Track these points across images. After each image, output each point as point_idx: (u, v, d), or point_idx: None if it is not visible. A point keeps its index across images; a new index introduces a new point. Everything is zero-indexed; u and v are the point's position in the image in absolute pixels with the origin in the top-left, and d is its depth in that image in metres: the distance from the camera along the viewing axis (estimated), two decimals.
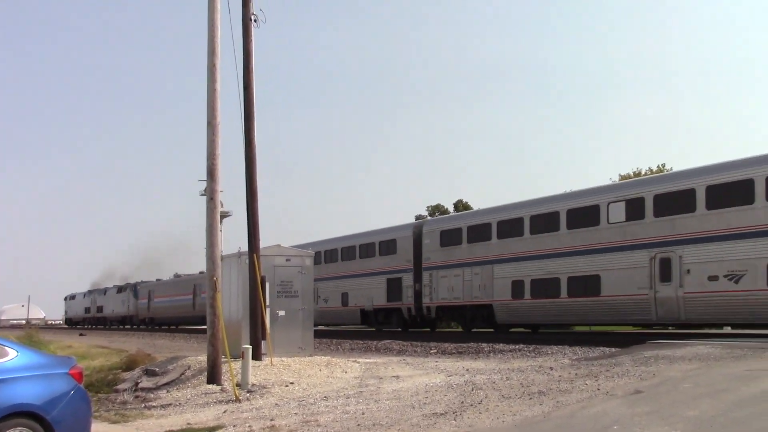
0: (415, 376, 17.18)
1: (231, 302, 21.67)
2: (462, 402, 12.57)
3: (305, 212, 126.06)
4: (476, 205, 67.09)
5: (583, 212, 29.82)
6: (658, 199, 27.07)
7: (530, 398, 12.48)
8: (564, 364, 17.87)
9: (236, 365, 16.78)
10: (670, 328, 29.43)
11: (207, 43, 17.91)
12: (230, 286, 21.86)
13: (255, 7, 20.57)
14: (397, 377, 17.05)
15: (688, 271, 25.84)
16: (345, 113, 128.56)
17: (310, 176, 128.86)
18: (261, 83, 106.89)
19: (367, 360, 21.57)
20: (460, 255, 35.47)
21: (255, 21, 20.60)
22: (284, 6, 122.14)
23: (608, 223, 28.72)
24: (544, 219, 31.48)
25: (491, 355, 22.57)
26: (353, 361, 20.59)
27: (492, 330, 34.58)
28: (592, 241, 29.29)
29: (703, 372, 13.96)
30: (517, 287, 32.39)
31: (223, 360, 17.23)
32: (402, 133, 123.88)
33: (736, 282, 24.38)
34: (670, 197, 26.75)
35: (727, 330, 30.78)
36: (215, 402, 15.26)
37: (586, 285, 29.39)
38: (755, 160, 24.85)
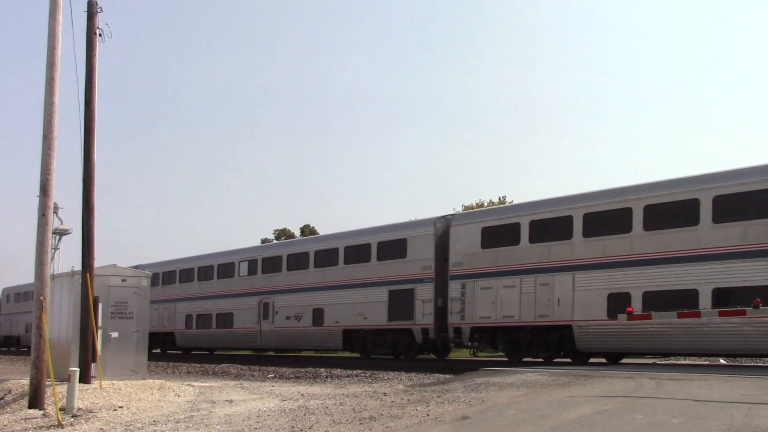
0: (249, 400, 17.03)
1: (61, 323, 20.92)
2: (293, 427, 12.55)
3: (152, 234, 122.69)
4: (323, 230, 67.31)
5: (225, 267, 41.60)
6: (264, 261, 38.97)
7: (361, 423, 12.60)
8: (398, 389, 18.14)
9: (62, 389, 16.17)
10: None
11: (47, 55, 17.32)
12: (61, 306, 21.11)
13: (101, 21, 20.13)
14: (231, 401, 16.85)
15: (277, 312, 37.19)
16: (196, 134, 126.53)
17: (159, 196, 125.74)
18: (105, 98, 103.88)
19: (203, 384, 21.25)
20: (157, 293, 43.57)
21: (100, 35, 20.12)
22: (137, 22, 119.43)
23: (239, 276, 40.46)
24: (205, 271, 43.08)
25: (328, 380, 22.66)
26: (188, 385, 20.23)
27: (180, 352, 44.96)
28: (230, 288, 40.61)
29: (529, 398, 14.48)
30: (189, 320, 43.36)
31: (48, 383, 16.56)
32: (254, 155, 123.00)
33: (299, 320, 35.91)
34: (269, 261, 38.67)
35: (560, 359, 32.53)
36: (35, 428, 14.60)
37: (226, 319, 40.57)
38: (339, 235, 36.39)
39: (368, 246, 32.92)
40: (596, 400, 13.48)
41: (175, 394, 18.41)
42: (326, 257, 35.08)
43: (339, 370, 25.28)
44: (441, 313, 29.43)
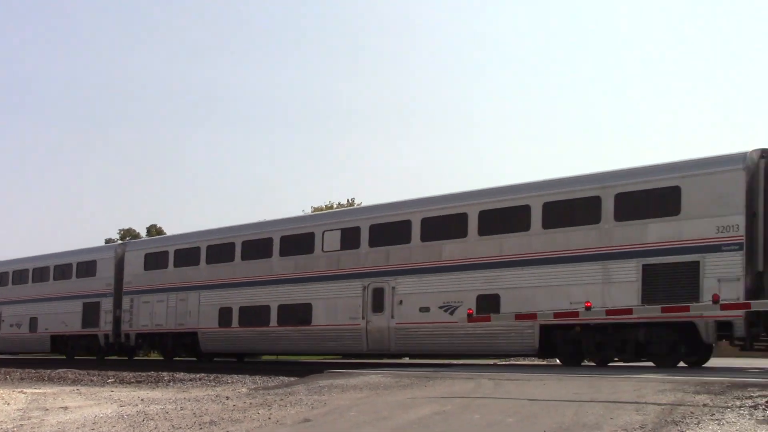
0: (85, 406, 16.43)
1: None
2: None
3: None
4: (170, 230, 65.80)
5: None
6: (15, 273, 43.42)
7: (201, 428, 12.40)
8: (241, 393, 17.94)
9: None
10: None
11: None
12: None
13: None
14: (66, 408, 16.20)
15: (4, 320, 42.14)
16: (44, 125, 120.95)
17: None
18: None
19: (37, 390, 20.35)
20: None
21: None
22: None
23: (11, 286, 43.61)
24: None
25: (171, 384, 22.18)
26: (19, 392, 19.34)
27: None
28: None
29: (371, 400, 14.60)
30: None
31: None
32: (102, 151, 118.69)
33: (19, 327, 41.19)
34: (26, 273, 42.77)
35: (406, 360, 33.22)
36: None
37: None
38: (50, 256, 41.24)
39: (70, 265, 39.38)
40: (436, 401, 13.73)
41: (5, 401, 17.54)
42: (41, 274, 41.08)
43: (182, 373, 24.78)
44: (118, 321, 36.14)
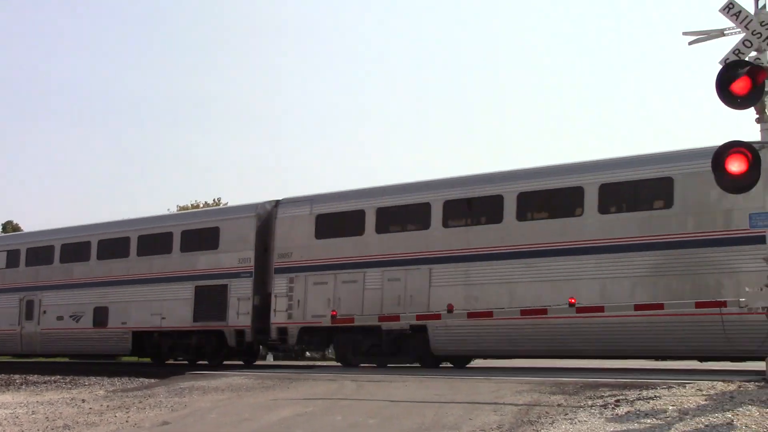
0: None
1: None
2: None
3: None
4: (27, 227, 63.27)
5: None
6: None
7: None
8: (98, 395, 17.40)
9: None
10: None
11: None
12: None
13: None
14: None
15: None
16: None
17: None
18: None
19: None
20: None
21: None
22: None
23: None
24: None
25: (23, 387, 21.30)
26: None
27: None
28: None
29: (232, 402, 14.44)
30: None
31: None
32: None
33: None
34: None
35: (270, 362, 33.20)
36: None
37: None
38: None
39: None
40: (298, 403, 13.69)
41: None
42: None
43: (36, 376, 23.84)
44: None
